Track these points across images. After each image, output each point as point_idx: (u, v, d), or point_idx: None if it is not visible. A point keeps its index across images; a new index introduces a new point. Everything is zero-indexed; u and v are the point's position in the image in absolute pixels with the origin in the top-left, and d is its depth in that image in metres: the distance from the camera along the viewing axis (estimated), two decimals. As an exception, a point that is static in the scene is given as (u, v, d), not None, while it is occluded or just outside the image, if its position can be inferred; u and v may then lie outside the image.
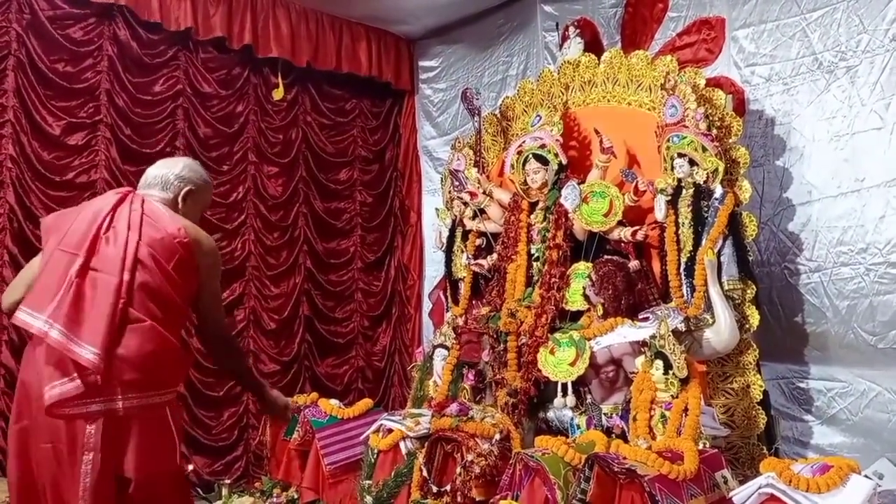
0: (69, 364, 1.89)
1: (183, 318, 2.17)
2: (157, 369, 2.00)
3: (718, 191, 3.13)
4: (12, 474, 1.99)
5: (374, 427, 3.54)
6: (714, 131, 3.21)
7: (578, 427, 3.08)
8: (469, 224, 4.05)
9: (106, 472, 1.89)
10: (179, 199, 2.22)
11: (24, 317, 1.95)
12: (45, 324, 1.90)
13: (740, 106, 3.60)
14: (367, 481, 3.36)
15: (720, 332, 3.02)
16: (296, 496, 3.68)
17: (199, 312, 2.19)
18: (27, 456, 1.95)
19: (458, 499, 2.91)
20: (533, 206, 3.74)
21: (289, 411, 2.59)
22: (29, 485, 1.94)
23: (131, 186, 2.31)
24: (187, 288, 2.10)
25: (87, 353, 1.87)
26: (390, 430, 3.41)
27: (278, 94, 4.86)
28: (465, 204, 4.03)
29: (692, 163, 3.20)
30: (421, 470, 3.12)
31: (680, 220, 3.22)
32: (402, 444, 3.34)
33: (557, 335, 3.21)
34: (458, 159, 4.12)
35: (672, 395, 2.78)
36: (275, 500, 3.70)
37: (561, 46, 4.20)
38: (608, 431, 2.96)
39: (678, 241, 3.22)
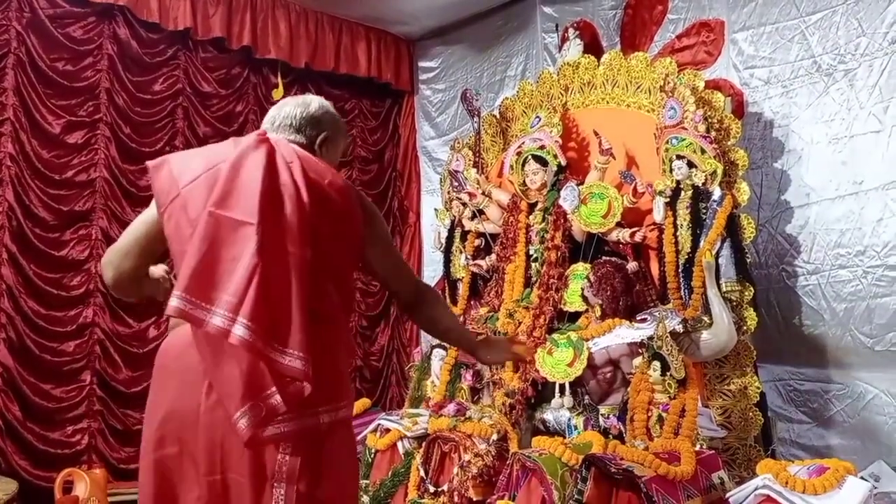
0: (262, 374, 1.40)
1: (353, 300, 1.79)
2: (345, 371, 1.65)
3: (717, 193, 3.14)
4: None
5: (371, 427, 3.54)
6: (713, 133, 3.22)
7: (576, 428, 3.08)
8: (468, 225, 4.05)
9: None
10: (316, 147, 1.73)
11: (182, 305, 1.39)
12: (223, 319, 1.37)
13: (739, 108, 3.61)
14: (365, 481, 3.36)
15: (718, 333, 3.02)
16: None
17: (386, 280, 1.77)
18: (173, 493, 1.49)
19: (456, 499, 2.91)
20: (532, 206, 3.75)
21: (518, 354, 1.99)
22: None
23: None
24: (358, 260, 1.70)
25: (293, 360, 1.39)
26: (388, 430, 3.42)
27: (278, 93, 4.86)
28: (464, 204, 4.04)
29: (691, 165, 3.21)
30: (418, 470, 3.13)
31: (678, 222, 3.23)
32: (399, 444, 3.35)
33: (555, 336, 3.22)
34: (458, 160, 4.12)
35: (669, 397, 2.78)
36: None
37: (560, 48, 4.21)
38: (605, 432, 2.97)
39: (676, 243, 3.23)
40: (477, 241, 4.06)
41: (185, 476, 1.47)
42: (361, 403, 4.03)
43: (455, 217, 4.13)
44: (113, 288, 1.69)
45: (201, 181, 1.52)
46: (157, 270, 1.73)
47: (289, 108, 1.73)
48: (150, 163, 1.62)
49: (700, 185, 3.19)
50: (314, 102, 1.77)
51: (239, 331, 1.36)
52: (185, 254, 1.45)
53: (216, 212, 1.45)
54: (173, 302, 1.40)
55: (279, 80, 4.85)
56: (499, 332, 3.49)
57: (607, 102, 3.79)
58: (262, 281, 1.39)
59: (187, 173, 1.55)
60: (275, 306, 1.40)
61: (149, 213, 1.64)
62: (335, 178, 1.60)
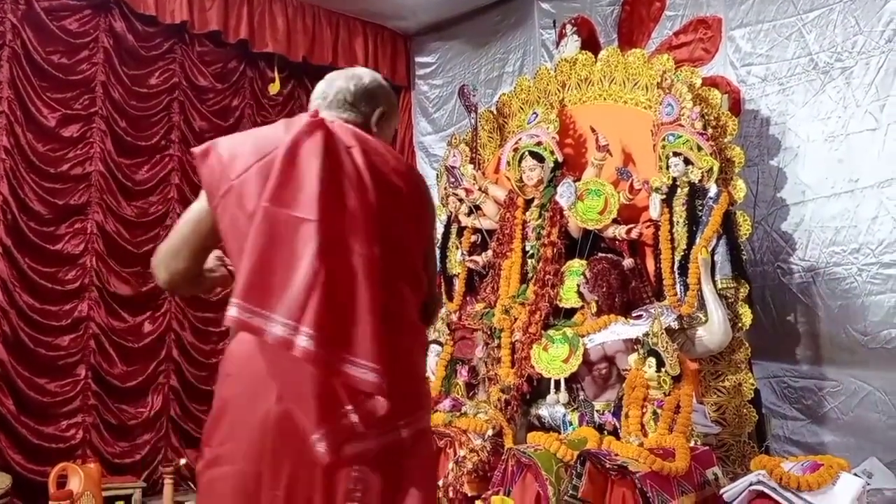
0: (335, 389, 1.28)
1: (423, 296, 1.54)
2: (424, 376, 1.53)
3: (713, 190, 3.15)
4: None
5: (367, 422, 3.54)
6: (709, 130, 3.22)
7: (571, 424, 3.09)
8: (464, 220, 4.05)
9: None
10: (372, 125, 1.55)
11: (239, 314, 1.27)
12: (285, 328, 1.24)
13: (736, 105, 3.61)
14: (360, 476, 3.36)
15: (713, 330, 3.03)
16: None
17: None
18: None
19: (451, 494, 2.91)
20: (528, 203, 3.75)
21: None
22: None
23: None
24: (428, 253, 1.57)
25: (366, 373, 1.25)
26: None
27: (274, 88, 4.85)
28: (461, 200, 4.04)
29: (687, 162, 3.21)
30: (413, 465, 3.12)
31: (674, 219, 3.23)
32: (395, 440, 3.34)
33: (551, 332, 3.22)
34: (454, 156, 4.12)
35: (664, 393, 2.79)
36: (267, 494, 3.70)
37: (558, 44, 4.21)
38: (600, 428, 2.97)
39: (672, 240, 3.23)
40: (473, 237, 4.06)
41: (247, 490, 1.32)
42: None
43: (451, 213, 4.13)
44: (168, 289, 1.59)
45: (254, 171, 1.37)
46: (211, 260, 1.55)
47: (341, 82, 1.56)
48: (195, 150, 1.46)
49: (696, 181, 3.19)
50: (367, 75, 1.60)
51: (303, 341, 1.22)
52: (241, 252, 1.32)
53: (272, 207, 1.30)
54: (231, 311, 1.27)
55: (276, 74, 4.84)
56: (495, 329, 3.49)
57: (604, 99, 3.79)
58: (326, 285, 1.25)
59: (238, 162, 1.39)
60: (341, 313, 1.26)
61: (199, 208, 1.46)
62: (400, 163, 1.47)
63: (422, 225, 1.50)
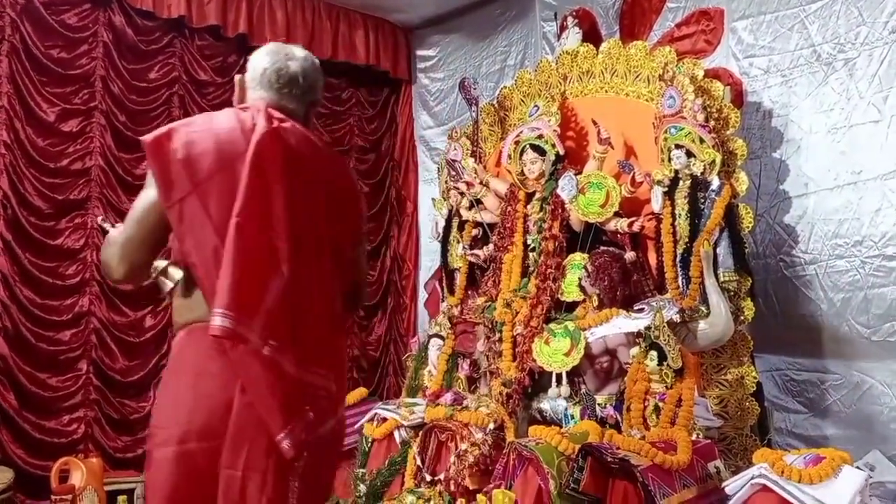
0: (296, 393, 1.48)
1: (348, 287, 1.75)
2: (347, 373, 1.80)
3: (715, 182, 3.13)
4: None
5: (368, 416, 3.54)
6: (712, 123, 3.20)
7: (572, 417, 3.08)
8: (465, 214, 4.04)
9: (302, 499, 1.54)
10: (311, 117, 1.70)
11: (227, 324, 1.41)
12: (259, 339, 1.43)
13: (738, 97, 3.59)
14: (361, 470, 3.37)
15: (715, 323, 3.02)
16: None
17: (354, 261, 1.74)
18: (191, 486, 1.51)
19: (452, 488, 2.92)
20: (530, 196, 3.74)
21: None
22: None
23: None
24: (354, 244, 1.72)
25: (319, 377, 1.50)
26: (385, 419, 3.42)
27: (274, 82, 4.83)
28: (462, 194, 4.03)
29: (689, 154, 3.20)
30: (415, 459, 3.13)
31: (676, 212, 3.22)
32: (396, 433, 3.35)
33: (553, 325, 3.21)
34: (455, 149, 4.11)
35: (666, 386, 2.78)
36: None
37: (559, 36, 4.18)
38: (602, 422, 2.97)
39: (674, 233, 3.22)
40: (474, 231, 4.05)
41: (205, 469, 1.48)
42: (358, 393, 4.02)
43: (453, 207, 4.12)
44: (122, 282, 1.65)
45: (217, 182, 1.48)
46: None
47: (293, 68, 1.64)
48: (146, 139, 1.51)
49: (699, 174, 3.17)
50: (308, 62, 1.69)
51: (270, 351, 1.42)
52: (205, 259, 1.46)
53: (244, 223, 1.44)
54: (217, 321, 1.40)
55: (276, 68, 4.81)
56: (496, 322, 3.49)
57: (606, 91, 3.77)
58: (295, 303, 1.44)
59: (198, 166, 1.48)
60: (306, 327, 1.47)
61: (153, 200, 1.52)
62: (336, 163, 1.63)
63: (354, 221, 1.66)
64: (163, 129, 1.52)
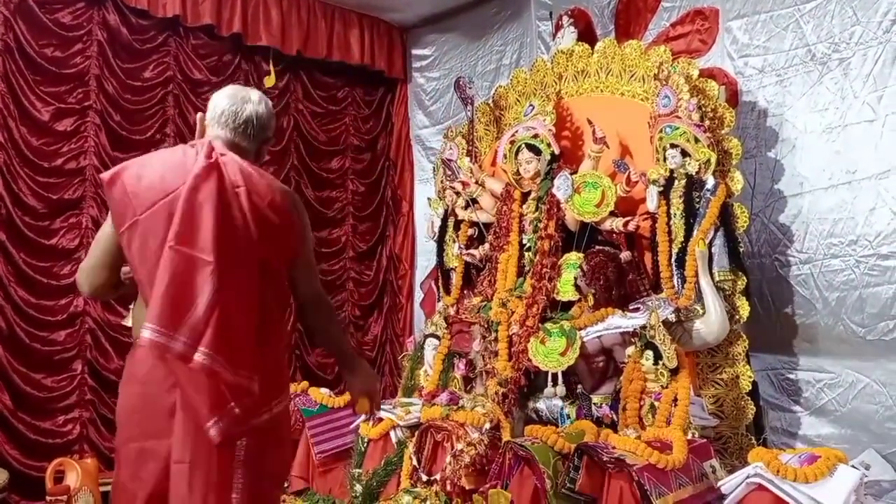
0: (223, 391, 1.70)
1: (289, 303, 1.99)
2: (285, 372, 2.07)
3: (710, 182, 3.14)
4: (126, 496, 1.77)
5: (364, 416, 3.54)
6: (707, 122, 3.21)
7: (568, 417, 3.09)
8: (461, 214, 4.04)
9: (248, 486, 1.75)
10: (262, 153, 1.97)
11: (153, 336, 1.64)
12: (185, 346, 1.65)
13: (733, 97, 3.60)
14: (357, 470, 3.36)
15: (710, 322, 3.03)
16: (286, 484, 3.68)
17: (298, 280, 1.94)
18: (149, 479, 1.75)
19: (448, 487, 2.92)
20: (525, 196, 3.74)
21: (370, 400, 2.11)
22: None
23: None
24: (294, 266, 1.92)
25: (245, 379, 1.72)
26: (381, 419, 3.41)
27: (270, 81, 4.82)
28: (458, 194, 4.02)
29: (684, 154, 3.20)
30: (411, 459, 3.13)
31: (672, 211, 3.22)
32: (392, 433, 3.35)
33: (548, 325, 3.21)
34: (451, 149, 4.10)
35: (662, 386, 2.79)
36: (265, 488, 3.70)
37: (554, 36, 4.19)
38: (598, 421, 2.97)
39: (670, 232, 3.22)
40: (470, 231, 4.05)
41: (162, 464, 1.73)
42: (354, 393, 4.01)
43: (448, 206, 4.11)
44: (92, 297, 1.94)
45: (158, 210, 1.70)
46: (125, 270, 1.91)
47: (248, 111, 1.89)
48: (103, 177, 1.77)
49: (694, 174, 3.18)
50: (262, 105, 1.93)
51: (200, 357, 1.64)
52: (149, 279, 1.68)
53: (177, 247, 1.66)
54: (145, 333, 1.64)
55: (271, 67, 4.81)
56: (492, 322, 3.49)
57: (601, 91, 3.77)
58: (221, 314, 1.66)
59: (143, 197, 1.72)
60: (232, 336, 1.68)
61: (110, 231, 1.81)
62: (275, 196, 1.81)
63: (289, 246, 1.87)
64: (117, 167, 1.77)
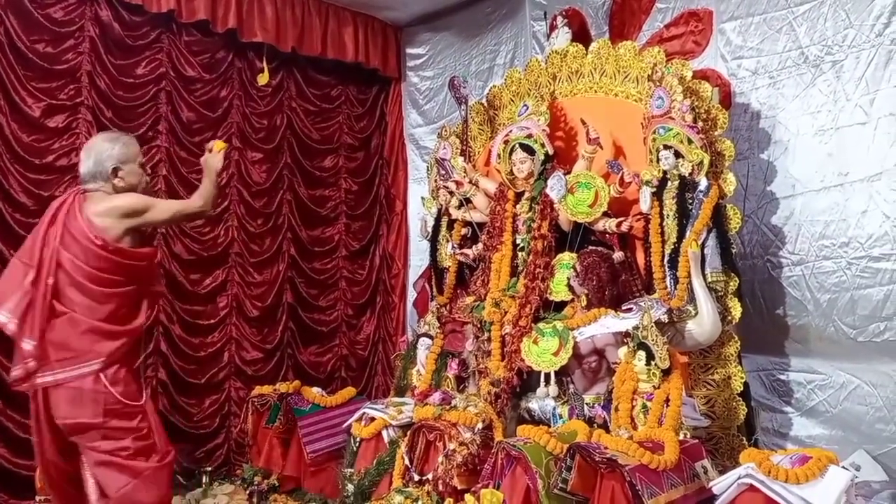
0: (21, 349, 2.68)
1: (112, 297, 2.74)
2: (84, 345, 2.68)
3: (703, 183, 3.14)
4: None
5: (356, 415, 3.53)
6: (700, 124, 3.21)
7: (561, 417, 3.09)
8: (455, 213, 4.04)
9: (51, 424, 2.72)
10: (114, 183, 2.81)
11: None
12: (4, 317, 2.69)
13: (726, 99, 3.61)
14: (349, 469, 3.36)
15: (702, 323, 3.03)
16: (277, 484, 3.67)
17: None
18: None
19: (440, 487, 2.91)
20: (519, 195, 3.74)
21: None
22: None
23: None
24: (103, 272, 2.71)
25: (28, 344, 2.66)
26: (373, 419, 3.41)
27: (263, 78, 4.80)
28: (451, 193, 4.02)
29: (678, 155, 3.21)
30: (403, 458, 3.12)
31: (665, 212, 3.23)
32: (384, 433, 3.35)
33: (541, 325, 3.21)
34: (445, 148, 4.10)
35: (654, 386, 2.79)
36: (256, 487, 3.69)
37: (549, 36, 4.18)
38: (590, 421, 2.98)
39: (662, 233, 3.23)
40: (464, 230, 4.05)
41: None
42: (347, 392, 4.02)
43: (442, 205, 4.11)
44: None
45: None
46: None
47: (82, 166, 2.82)
48: None
49: (687, 175, 3.19)
50: (92, 151, 2.83)
51: (10, 327, 2.68)
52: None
53: (15, 258, 2.83)
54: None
55: (265, 64, 4.79)
56: (485, 322, 3.49)
57: (595, 91, 3.78)
58: (31, 301, 2.66)
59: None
60: (31, 314, 2.66)
61: None
62: (87, 228, 2.69)
63: (87, 264, 2.70)
64: None
